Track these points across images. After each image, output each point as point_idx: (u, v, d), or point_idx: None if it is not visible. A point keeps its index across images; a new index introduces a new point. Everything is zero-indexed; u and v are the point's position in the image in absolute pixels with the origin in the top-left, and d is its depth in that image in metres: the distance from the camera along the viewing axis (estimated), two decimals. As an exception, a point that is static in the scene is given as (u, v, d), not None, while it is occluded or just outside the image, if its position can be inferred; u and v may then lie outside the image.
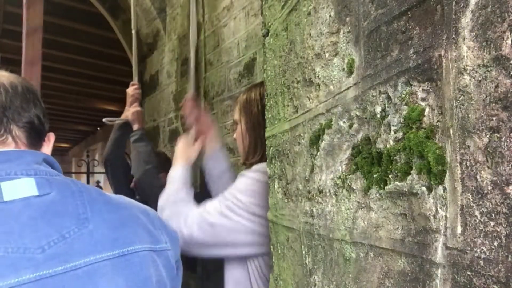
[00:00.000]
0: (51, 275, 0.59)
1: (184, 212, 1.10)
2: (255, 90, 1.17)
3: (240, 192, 1.04)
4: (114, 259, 0.66)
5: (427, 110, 0.43)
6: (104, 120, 2.17)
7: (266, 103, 0.91)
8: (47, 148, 0.80)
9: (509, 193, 0.34)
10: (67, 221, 0.64)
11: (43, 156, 0.72)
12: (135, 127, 2.02)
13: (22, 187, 0.64)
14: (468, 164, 0.38)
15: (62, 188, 0.67)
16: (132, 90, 2.17)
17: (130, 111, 2.06)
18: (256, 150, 1.13)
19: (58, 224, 0.63)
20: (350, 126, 0.57)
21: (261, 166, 1.07)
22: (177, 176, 1.27)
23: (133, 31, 2.47)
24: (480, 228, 0.36)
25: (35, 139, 0.76)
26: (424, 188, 0.43)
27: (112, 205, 0.72)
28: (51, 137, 0.82)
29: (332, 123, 0.62)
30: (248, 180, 1.05)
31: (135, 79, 2.37)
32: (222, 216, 1.03)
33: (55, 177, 0.70)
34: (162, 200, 1.19)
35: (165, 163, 2.29)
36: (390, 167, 0.49)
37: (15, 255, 0.58)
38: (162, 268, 0.74)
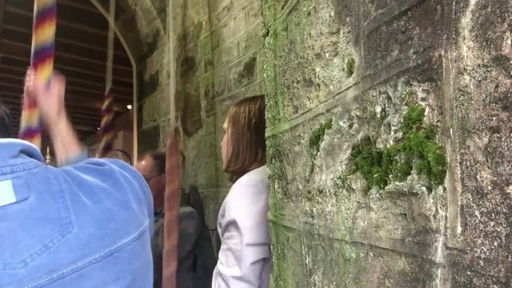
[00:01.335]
0: (37, 287, 0.56)
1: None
2: (244, 104, 1.24)
3: (231, 213, 1.08)
4: (102, 260, 0.63)
5: (427, 110, 0.43)
6: None
7: (266, 103, 0.91)
8: None
9: (509, 193, 0.34)
10: (49, 229, 0.60)
11: (20, 146, 0.67)
12: None
13: None
14: (468, 164, 0.38)
15: (41, 189, 0.63)
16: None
17: None
18: (237, 159, 1.20)
19: (40, 234, 0.59)
20: (350, 126, 0.57)
21: (241, 180, 1.12)
22: None
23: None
24: (480, 228, 0.36)
25: (5, 136, 0.71)
26: (424, 188, 0.43)
27: (97, 195, 0.67)
28: None
29: (332, 123, 0.62)
30: (230, 200, 1.10)
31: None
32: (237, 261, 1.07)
33: (33, 170, 0.65)
34: None
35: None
36: (390, 167, 0.49)
37: None
38: (147, 247, 0.73)
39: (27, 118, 1.26)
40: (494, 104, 0.35)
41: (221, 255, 1.12)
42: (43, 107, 1.21)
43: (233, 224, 1.08)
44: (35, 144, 0.79)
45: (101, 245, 0.64)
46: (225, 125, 1.27)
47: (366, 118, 0.54)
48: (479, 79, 0.37)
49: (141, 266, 0.71)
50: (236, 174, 1.20)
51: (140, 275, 0.71)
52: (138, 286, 0.70)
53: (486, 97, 0.36)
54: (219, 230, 1.16)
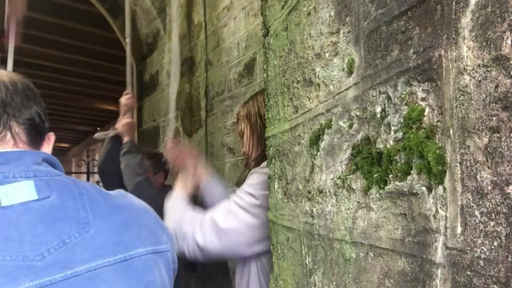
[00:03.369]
0: (51, 282, 0.58)
1: (198, 219, 1.16)
2: (251, 101, 1.32)
3: (252, 187, 1.11)
4: (115, 265, 0.64)
5: (427, 110, 0.43)
6: (95, 135, 2.25)
7: (266, 103, 0.91)
8: (47, 147, 0.78)
9: (509, 193, 0.34)
10: (67, 226, 0.62)
11: (43, 155, 0.70)
12: (125, 139, 2.05)
13: (21, 191, 0.62)
14: (468, 164, 0.38)
15: (62, 191, 0.66)
16: (125, 99, 2.16)
17: (121, 123, 2.09)
18: (258, 148, 1.27)
19: (58, 230, 0.61)
20: (350, 126, 0.57)
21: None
22: (178, 199, 1.33)
23: (127, 40, 2.55)
24: (480, 228, 0.36)
25: (35, 137, 0.74)
26: (424, 188, 0.43)
27: (114, 207, 0.70)
28: (51, 137, 0.80)
29: (332, 123, 0.62)
30: (259, 175, 1.13)
31: (129, 88, 2.36)
32: (232, 217, 1.10)
33: (55, 177, 0.68)
34: (170, 220, 1.23)
35: (164, 163, 2.32)
36: (390, 167, 0.49)
37: (13, 263, 0.56)
38: (164, 270, 0.74)
39: None
40: (494, 104, 0.35)
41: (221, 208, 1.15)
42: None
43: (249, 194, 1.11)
44: None
45: (115, 250, 0.66)
46: (240, 127, 1.35)
47: (366, 118, 0.54)
48: (479, 79, 0.37)
49: (154, 282, 0.70)
50: (258, 161, 1.24)
51: None
52: None
53: (486, 97, 0.36)
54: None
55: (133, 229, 0.71)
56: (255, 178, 1.13)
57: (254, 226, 1.08)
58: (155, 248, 0.73)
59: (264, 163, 1.15)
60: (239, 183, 1.31)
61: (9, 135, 0.70)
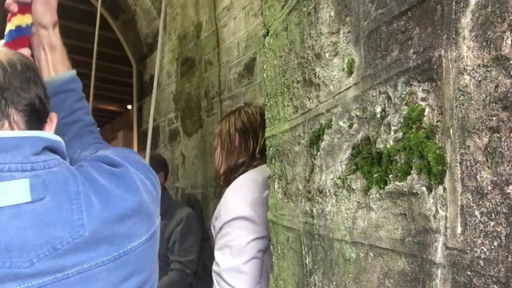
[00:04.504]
0: (40, 285, 0.56)
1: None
2: (225, 119, 1.38)
3: (228, 213, 1.14)
4: (109, 263, 0.63)
5: (427, 110, 0.43)
6: None
7: (266, 103, 0.91)
8: (50, 129, 0.73)
9: (509, 193, 0.34)
10: (60, 231, 0.60)
11: (44, 143, 0.66)
12: None
13: (14, 192, 0.59)
14: (468, 164, 0.38)
15: (58, 191, 0.62)
16: None
17: None
18: (225, 163, 1.33)
19: (50, 235, 0.59)
20: (350, 126, 0.57)
21: (233, 183, 1.21)
22: None
23: None
24: (480, 228, 0.36)
25: (35, 122, 0.69)
26: (424, 188, 0.43)
27: (111, 200, 0.67)
28: (53, 118, 0.75)
29: (332, 123, 0.62)
30: (226, 200, 1.18)
31: None
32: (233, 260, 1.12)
33: (53, 169, 0.64)
34: None
35: (163, 164, 2.35)
36: (390, 167, 0.49)
37: (0, 270, 0.55)
38: (155, 248, 0.74)
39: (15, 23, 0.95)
40: (494, 104, 0.35)
41: (217, 253, 1.15)
42: (36, 13, 0.98)
43: (230, 221, 1.13)
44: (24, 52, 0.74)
45: (109, 249, 0.64)
46: (214, 142, 1.40)
47: (366, 118, 0.54)
48: (479, 79, 0.37)
49: (149, 267, 0.71)
50: (226, 175, 1.30)
51: (147, 276, 0.71)
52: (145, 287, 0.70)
53: (486, 97, 0.36)
54: (213, 233, 1.21)
55: (130, 220, 0.68)
56: (224, 208, 1.16)
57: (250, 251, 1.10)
58: (150, 232, 0.71)
59: (236, 181, 1.21)
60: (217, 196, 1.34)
61: (7, 124, 0.65)
